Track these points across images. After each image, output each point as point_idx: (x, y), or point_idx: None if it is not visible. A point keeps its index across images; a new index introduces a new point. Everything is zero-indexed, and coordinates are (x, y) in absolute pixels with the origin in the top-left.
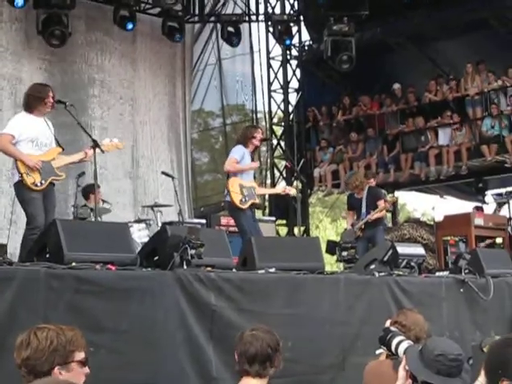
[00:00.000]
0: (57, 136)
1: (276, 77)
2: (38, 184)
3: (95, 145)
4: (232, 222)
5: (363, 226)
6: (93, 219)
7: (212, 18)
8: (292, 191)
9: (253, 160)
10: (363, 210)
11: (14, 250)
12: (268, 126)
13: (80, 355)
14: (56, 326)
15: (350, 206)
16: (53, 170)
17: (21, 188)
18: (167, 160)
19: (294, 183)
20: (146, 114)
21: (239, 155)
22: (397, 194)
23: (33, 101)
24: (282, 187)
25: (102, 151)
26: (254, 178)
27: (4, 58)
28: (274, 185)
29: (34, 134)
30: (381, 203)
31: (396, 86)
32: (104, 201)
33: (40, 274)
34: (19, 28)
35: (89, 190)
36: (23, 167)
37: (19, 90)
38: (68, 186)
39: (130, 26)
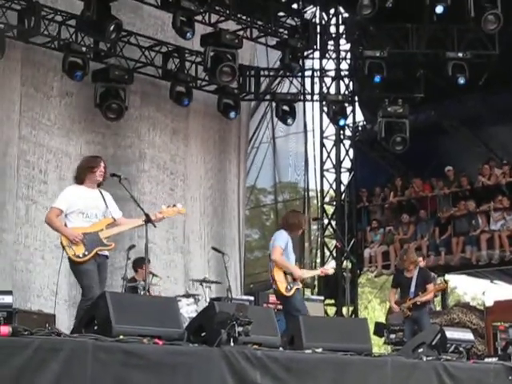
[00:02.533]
0: None
1: (329, 156)
2: (80, 255)
3: (147, 219)
4: None
5: (411, 306)
6: (142, 292)
7: (267, 97)
8: (330, 271)
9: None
10: (412, 289)
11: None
12: (319, 204)
13: None
14: None
15: (396, 284)
16: (99, 240)
17: (70, 261)
18: (216, 236)
19: (344, 263)
20: (197, 190)
21: (284, 243)
22: (447, 277)
23: (82, 171)
24: (319, 270)
25: (154, 226)
26: (304, 258)
27: (51, 132)
28: (323, 264)
29: (83, 206)
30: (430, 287)
31: (448, 168)
32: (153, 274)
33: (88, 345)
34: (68, 103)
35: (138, 264)
36: (65, 240)
37: (64, 163)
38: (115, 259)
39: (185, 102)
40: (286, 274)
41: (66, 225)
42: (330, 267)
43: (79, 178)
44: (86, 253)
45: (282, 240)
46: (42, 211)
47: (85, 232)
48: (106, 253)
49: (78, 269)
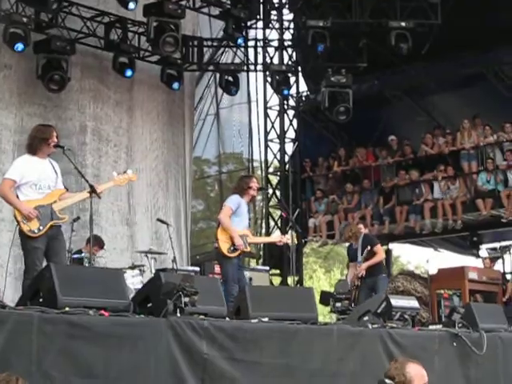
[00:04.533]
0: None
1: (273, 126)
2: (36, 231)
3: (92, 190)
4: None
5: (364, 275)
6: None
7: (211, 67)
8: (289, 240)
9: (249, 210)
10: (359, 258)
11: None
12: (264, 175)
13: None
14: None
15: (350, 258)
16: (53, 213)
17: (21, 236)
18: (164, 207)
19: (289, 233)
20: (142, 161)
21: (234, 204)
22: (391, 245)
23: (38, 142)
24: (278, 236)
25: (99, 197)
26: (249, 226)
27: None
28: (268, 234)
29: (36, 177)
30: (376, 249)
31: (391, 137)
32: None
33: (33, 318)
34: (7, 75)
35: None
36: (19, 215)
37: (4, 136)
38: None
39: (129, 73)
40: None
41: (17, 197)
42: (287, 237)
43: (32, 149)
44: (41, 227)
45: (232, 202)
46: None
47: (38, 205)
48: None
49: (28, 244)
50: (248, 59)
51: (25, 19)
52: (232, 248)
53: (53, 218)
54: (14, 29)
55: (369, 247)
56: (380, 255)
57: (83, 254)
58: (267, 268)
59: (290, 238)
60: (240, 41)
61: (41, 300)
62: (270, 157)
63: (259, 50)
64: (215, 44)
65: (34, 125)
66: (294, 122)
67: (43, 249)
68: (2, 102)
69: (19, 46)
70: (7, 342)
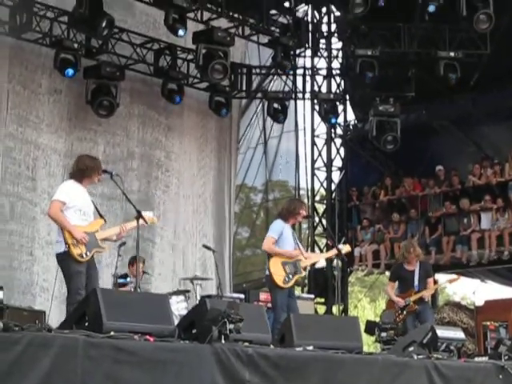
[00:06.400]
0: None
1: (320, 155)
2: (84, 256)
3: (139, 215)
4: None
5: (417, 300)
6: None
7: (259, 95)
8: (344, 249)
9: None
10: (416, 282)
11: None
12: (310, 203)
13: None
14: None
15: (396, 277)
16: (96, 241)
17: (66, 259)
18: (208, 234)
19: (334, 262)
20: (189, 188)
21: (276, 233)
22: (437, 276)
23: (89, 172)
24: (334, 250)
25: (146, 222)
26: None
27: (39, 129)
28: (313, 265)
29: (81, 204)
30: (431, 281)
31: (439, 167)
32: (145, 272)
33: (78, 342)
34: (57, 100)
35: (132, 261)
36: (70, 238)
37: (54, 160)
38: (102, 256)
39: (177, 99)
40: (283, 265)
41: None
42: (342, 247)
43: (80, 177)
44: (88, 253)
45: (274, 229)
46: (29, 207)
47: (85, 231)
48: None
49: (74, 268)
50: (296, 87)
51: (75, 45)
52: (287, 278)
53: (96, 246)
54: (65, 54)
55: (430, 278)
56: (435, 286)
57: (129, 279)
58: (312, 296)
59: (344, 249)
60: (288, 69)
61: (86, 324)
62: (317, 185)
63: (307, 78)
64: (264, 72)
65: (83, 151)
66: (341, 151)
67: (85, 275)
68: (52, 126)
69: (69, 72)
70: (52, 365)
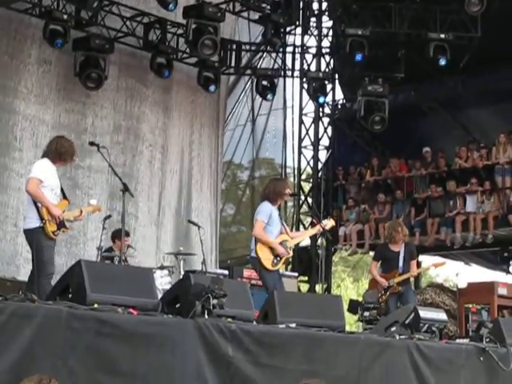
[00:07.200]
0: (80, 178)
1: (307, 133)
2: (56, 233)
3: (125, 188)
4: (255, 275)
5: (400, 281)
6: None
7: (248, 71)
8: (328, 225)
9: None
10: (400, 263)
11: None
12: (296, 181)
13: None
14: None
15: (380, 257)
16: (64, 222)
17: (39, 234)
18: (197, 209)
19: (319, 240)
20: (177, 163)
21: (266, 216)
22: (421, 258)
23: (65, 155)
24: (318, 227)
25: (132, 195)
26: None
27: (28, 99)
28: (297, 244)
29: (54, 184)
30: (414, 263)
31: (426, 149)
32: (130, 246)
33: (61, 313)
34: (46, 71)
35: (117, 235)
36: (47, 214)
37: (41, 131)
38: (87, 230)
39: (166, 73)
40: (271, 248)
41: None
42: (326, 222)
43: (56, 158)
44: (58, 231)
45: (263, 212)
46: (15, 178)
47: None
48: None
49: (45, 243)
50: (285, 65)
51: (65, 16)
52: (275, 261)
53: (63, 226)
54: (54, 25)
55: (413, 260)
56: (418, 270)
57: (113, 253)
58: (296, 274)
59: (328, 224)
60: (278, 46)
61: (70, 296)
62: (303, 163)
63: (297, 56)
64: (253, 48)
65: (71, 122)
66: (329, 130)
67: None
68: (41, 96)
69: (59, 43)
70: (35, 335)
